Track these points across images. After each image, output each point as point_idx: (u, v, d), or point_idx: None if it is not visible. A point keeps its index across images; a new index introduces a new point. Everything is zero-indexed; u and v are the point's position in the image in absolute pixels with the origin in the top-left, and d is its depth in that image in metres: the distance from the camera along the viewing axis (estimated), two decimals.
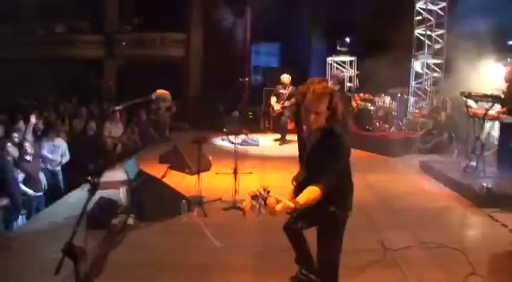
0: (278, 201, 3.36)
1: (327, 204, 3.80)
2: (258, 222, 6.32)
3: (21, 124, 11.33)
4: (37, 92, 18.58)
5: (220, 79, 16.44)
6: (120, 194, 7.55)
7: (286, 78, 13.62)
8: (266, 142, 14.49)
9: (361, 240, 6.04)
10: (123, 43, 20.48)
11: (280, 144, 13.92)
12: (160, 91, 2.92)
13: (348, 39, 16.74)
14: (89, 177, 2.83)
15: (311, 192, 3.61)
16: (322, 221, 3.94)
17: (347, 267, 4.14)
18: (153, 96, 2.91)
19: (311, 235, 4.30)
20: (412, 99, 14.55)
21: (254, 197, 3.39)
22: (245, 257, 5.89)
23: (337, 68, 17.03)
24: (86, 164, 10.93)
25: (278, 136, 14.38)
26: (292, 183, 4.21)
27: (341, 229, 4.08)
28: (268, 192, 3.40)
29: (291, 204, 3.45)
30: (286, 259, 4.91)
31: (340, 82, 9.56)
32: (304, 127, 4.06)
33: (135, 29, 20.76)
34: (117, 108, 2.84)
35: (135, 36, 20.67)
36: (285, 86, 13.46)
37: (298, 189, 3.88)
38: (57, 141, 10.24)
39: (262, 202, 3.34)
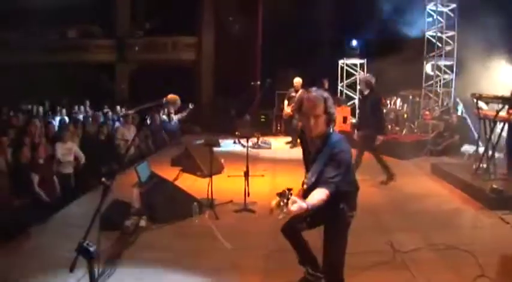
0: (294, 202, 3.43)
1: (334, 203, 3.89)
2: (268, 224, 6.44)
3: (33, 127, 11.46)
4: (50, 96, 18.76)
5: (232, 82, 16.52)
6: (133, 196, 7.62)
7: (297, 81, 13.68)
8: (278, 145, 14.55)
9: (370, 241, 6.07)
10: (136, 48, 20.61)
11: (291, 147, 13.98)
12: (170, 96, 2.99)
13: (355, 42, 16.75)
14: (103, 179, 2.91)
15: (319, 194, 3.72)
16: (330, 219, 4.03)
17: (356, 267, 4.19)
18: (164, 100, 2.98)
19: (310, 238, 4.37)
20: (423, 102, 14.51)
21: (280, 194, 3.47)
22: (255, 258, 5.94)
23: (352, 68, 17.09)
24: (98, 167, 11.04)
25: (289, 139, 14.44)
26: (302, 185, 4.27)
27: (347, 228, 4.17)
28: (291, 193, 3.48)
29: (304, 205, 3.52)
30: (295, 261, 4.95)
31: (370, 86, 9.60)
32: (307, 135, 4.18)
33: (146, 34, 20.87)
34: (130, 112, 2.91)
35: (146, 40, 20.82)
36: (296, 90, 13.49)
37: (305, 193, 3.95)
38: (69, 144, 10.31)
39: (286, 200, 3.41)
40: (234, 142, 14.28)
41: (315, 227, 4.31)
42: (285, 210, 3.43)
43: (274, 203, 3.57)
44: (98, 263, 2.90)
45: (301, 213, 3.62)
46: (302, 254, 4.73)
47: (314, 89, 4.10)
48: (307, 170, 4.28)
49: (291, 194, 3.46)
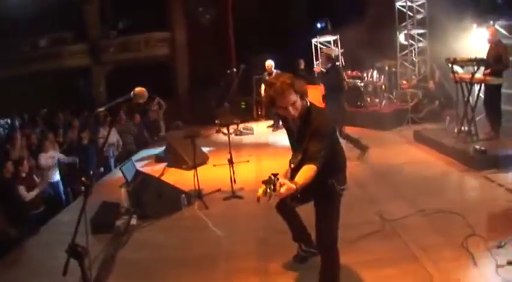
0: (282, 185, 3.44)
1: (323, 178, 3.88)
2: (258, 208, 6.48)
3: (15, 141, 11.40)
4: (29, 108, 18.63)
5: (209, 73, 16.49)
6: (122, 196, 7.62)
7: (269, 64, 13.60)
8: (260, 130, 14.59)
9: (360, 213, 6.14)
10: (112, 49, 20.48)
11: (273, 130, 14.00)
12: (138, 89, 2.99)
13: (319, 25, 16.77)
14: (82, 179, 2.93)
15: (307, 171, 3.70)
16: (320, 194, 4.01)
17: (347, 240, 4.23)
18: (132, 94, 2.98)
19: (304, 214, 4.40)
20: (399, 72, 14.56)
21: (266, 182, 3.49)
22: (248, 243, 5.98)
23: (326, 46, 17.06)
24: (86, 172, 11.01)
25: (271, 122, 14.46)
26: (289, 165, 4.29)
27: (338, 201, 4.17)
28: (277, 177, 3.49)
29: (293, 186, 3.54)
30: (287, 241, 5.01)
31: (331, 59, 9.51)
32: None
33: (119, 34, 20.73)
34: (100, 110, 2.91)
35: (119, 40, 20.67)
36: (270, 72, 13.44)
37: (294, 171, 3.96)
38: (51, 152, 10.28)
39: (272, 187, 3.43)
40: (216, 131, 14.29)
41: (307, 202, 4.28)
42: (272, 194, 3.45)
43: (260, 191, 3.55)
44: (89, 263, 2.91)
45: (293, 194, 3.63)
46: (296, 230, 4.77)
47: (274, 73, 4.08)
48: (294, 149, 4.31)
49: (278, 179, 3.48)
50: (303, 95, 3.97)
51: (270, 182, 3.46)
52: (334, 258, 4.12)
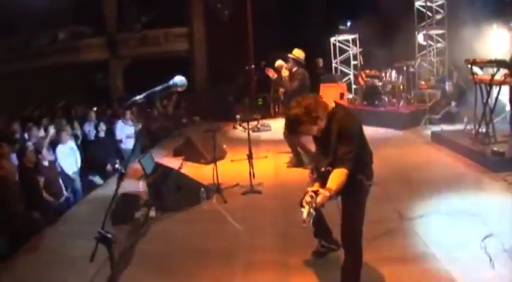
0: (317, 195, 3.51)
1: (352, 174, 3.92)
2: (276, 203, 6.57)
3: (35, 131, 11.53)
4: (46, 100, 18.77)
5: (227, 68, 16.51)
6: (140, 189, 7.70)
7: (279, 64, 13.44)
8: (278, 127, 14.59)
9: (378, 211, 6.13)
10: (133, 43, 20.55)
11: None
12: (177, 77, 3.01)
13: (348, 23, 16.72)
14: (117, 166, 2.98)
15: (339, 175, 3.79)
16: (348, 190, 3.97)
17: (366, 237, 4.23)
18: (171, 82, 3.00)
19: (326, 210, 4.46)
20: (418, 72, 14.53)
21: (308, 203, 3.58)
22: (267, 237, 6.05)
23: (345, 44, 17.06)
24: (102, 165, 11.12)
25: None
26: (309, 175, 4.36)
27: (365, 198, 4.22)
28: (317, 194, 3.58)
29: (327, 193, 3.65)
30: (306, 236, 5.04)
31: (298, 62, 9.26)
32: None
33: (144, 27, 20.78)
34: (137, 98, 2.92)
35: (138, 34, 20.74)
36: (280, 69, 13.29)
37: (324, 174, 4.03)
38: (69, 143, 10.36)
39: (314, 205, 3.52)
40: (234, 127, 14.32)
41: (334, 199, 4.34)
42: (313, 212, 3.53)
43: (305, 214, 3.57)
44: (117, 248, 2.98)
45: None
46: (318, 226, 4.80)
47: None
48: (317, 149, 4.38)
49: (317, 195, 3.55)
50: (323, 112, 3.99)
51: (311, 202, 3.53)
52: (358, 253, 4.16)
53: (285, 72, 9.25)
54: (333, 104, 4.08)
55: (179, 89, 3.01)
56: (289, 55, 9.26)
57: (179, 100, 16.43)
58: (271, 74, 9.28)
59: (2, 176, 7.60)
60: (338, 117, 4.00)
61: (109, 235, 2.84)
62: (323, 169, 4.08)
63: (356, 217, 4.17)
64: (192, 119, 17.06)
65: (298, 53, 9.26)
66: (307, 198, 3.62)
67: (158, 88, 2.97)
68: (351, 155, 3.85)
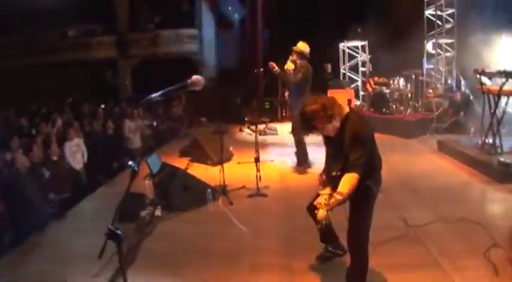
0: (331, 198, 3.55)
1: (361, 179, 3.95)
2: (282, 206, 6.59)
3: (43, 127, 11.61)
4: (55, 96, 18.84)
5: (235, 71, 16.55)
6: (146, 188, 7.73)
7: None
8: (285, 131, 14.61)
9: (383, 217, 6.11)
10: (145, 43, 20.58)
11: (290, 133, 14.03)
12: (195, 77, 3.03)
13: (359, 30, 16.72)
14: (130, 163, 2.99)
15: (350, 180, 3.85)
16: (356, 195, 4.00)
17: (371, 242, 4.27)
18: (189, 82, 3.02)
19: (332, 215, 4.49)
20: (425, 80, 14.53)
21: (327, 204, 3.63)
22: (272, 240, 6.08)
23: (354, 51, 17.08)
24: (109, 163, 11.15)
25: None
26: (318, 178, 4.40)
27: (373, 203, 4.26)
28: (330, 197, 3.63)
29: (339, 197, 3.70)
30: (311, 240, 5.11)
31: (303, 56, 9.18)
32: None
33: (156, 27, 20.80)
34: (154, 95, 2.95)
35: (148, 35, 20.79)
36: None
37: (335, 178, 4.08)
38: (76, 140, 10.40)
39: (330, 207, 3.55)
40: (241, 130, 14.37)
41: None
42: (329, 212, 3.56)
43: (322, 214, 3.65)
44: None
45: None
46: (325, 232, 4.82)
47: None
48: (328, 154, 4.43)
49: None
50: (339, 114, 4.04)
51: (328, 203, 3.58)
52: (364, 259, 4.19)
53: (290, 65, 9.21)
54: (348, 109, 4.12)
55: (196, 88, 3.03)
56: (294, 48, 9.24)
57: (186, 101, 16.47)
58: (274, 67, 9.25)
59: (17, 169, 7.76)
60: (352, 122, 4.04)
61: (119, 232, 2.86)
62: (334, 173, 4.12)
63: (363, 222, 4.21)
64: (199, 120, 17.10)
65: (302, 46, 9.21)
66: (323, 200, 3.63)
67: (175, 86, 2.99)
68: (362, 160, 3.90)
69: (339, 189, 3.80)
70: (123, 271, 3.08)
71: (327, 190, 3.91)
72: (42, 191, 8.21)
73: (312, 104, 4.02)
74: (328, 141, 4.42)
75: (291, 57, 9.27)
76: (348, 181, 3.83)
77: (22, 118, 13.81)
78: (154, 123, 14.71)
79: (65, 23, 21.33)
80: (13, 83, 19.54)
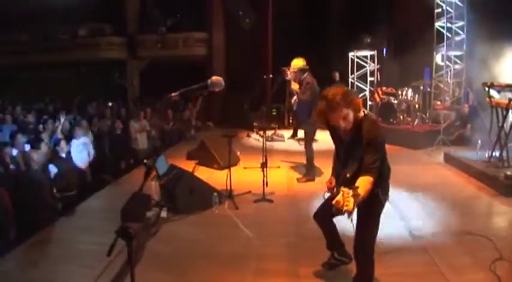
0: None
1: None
2: (288, 213, 6.60)
3: (50, 124, 11.69)
4: (63, 94, 18.95)
5: (244, 76, 16.52)
6: (152, 189, 7.75)
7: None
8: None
9: (389, 227, 6.16)
10: (159, 45, 20.60)
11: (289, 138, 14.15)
12: (215, 77, 3.05)
13: (368, 40, 16.72)
14: (145, 161, 3.00)
15: (366, 183, 3.82)
16: (364, 203, 3.90)
17: (377, 252, 4.28)
18: (209, 82, 3.04)
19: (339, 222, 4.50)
20: (434, 92, 14.54)
21: (355, 196, 3.58)
22: (278, 246, 6.08)
23: (363, 60, 17.10)
24: (115, 162, 11.19)
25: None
26: (327, 185, 4.40)
27: (380, 211, 4.27)
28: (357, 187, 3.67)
29: (359, 196, 3.66)
30: (317, 247, 5.10)
31: (304, 70, 9.19)
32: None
33: (169, 31, 20.84)
34: (172, 94, 2.97)
35: (157, 36, 20.84)
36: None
37: (348, 181, 4.07)
38: (83, 139, 10.43)
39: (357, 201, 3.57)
40: (248, 135, 14.39)
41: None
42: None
43: (352, 205, 3.55)
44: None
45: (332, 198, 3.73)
46: (331, 239, 4.84)
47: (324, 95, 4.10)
48: (339, 158, 4.41)
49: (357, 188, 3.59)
50: (356, 108, 4.07)
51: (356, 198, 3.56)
52: (370, 267, 4.20)
53: (295, 86, 9.29)
54: (363, 114, 4.14)
55: (216, 89, 3.06)
56: (291, 69, 9.27)
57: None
58: (287, 75, 9.24)
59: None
60: (367, 125, 4.06)
61: (130, 230, 2.86)
62: (348, 175, 4.12)
63: (370, 230, 4.23)
64: (206, 124, 17.09)
65: (298, 63, 9.24)
66: (349, 196, 3.57)
67: (195, 86, 3.01)
68: (378, 164, 3.92)
69: (358, 190, 3.76)
70: (132, 270, 3.08)
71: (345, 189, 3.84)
72: (48, 187, 8.25)
73: (334, 89, 4.10)
74: (338, 143, 4.45)
75: (291, 75, 9.33)
76: (364, 184, 3.80)
77: (29, 115, 13.92)
78: (171, 124, 14.80)
79: (75, 22, 21.43)
80: (22, 79, 19.70)
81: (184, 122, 15.70)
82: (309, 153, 9.19)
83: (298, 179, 9.30)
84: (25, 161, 7.95)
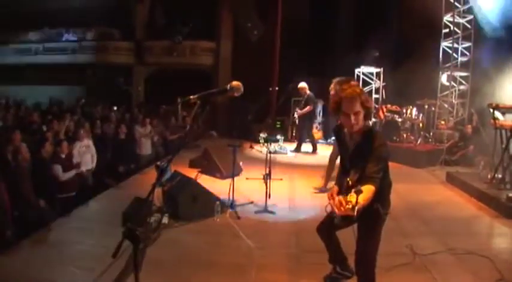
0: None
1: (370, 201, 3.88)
2: (289, 225, 6.59)
3: (55, 125, 11.70)
4: (69, 97, 19.02)
5: (249, 87, 16.54)
6: (154, 195, 7.74)
7: (302, 85, 13.53)
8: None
9: (391, 244, 6.15)
10: (175, 54, 20.64)
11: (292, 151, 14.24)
12: (235, 82, 3.07)
13: (376, 54, 16.75)
14: (158, 163, 3.02)
15: (367, 191, 3.71)
16: (364, 217, 3.89)
17: (378, 268, 4.28)
18: (228, 86, 3.06)
19: (342, 236, 4.50)
20: (438, 111, 14.58)
21: (357, 192, 3.52)
22: (278, 257, 6.08)
23: (369, 77, 17.15)
24: (117, 166, 11.19)
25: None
26: (329, 198, 4.40)
27: (381, 226, 4.26)
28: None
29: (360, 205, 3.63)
30: (319, 260, 5.11)
31: (305, 90, 9.53)
32: (346, 131, 4.26)
33: (184, 38, 20.87)
34: (191, 97, 2.99)
35: (165, 43, 20.90)
36: (302, 95, 13.49)
37: (350, 189, 4.03)
38: (86, 141, 10.43)
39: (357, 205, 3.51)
40: (251, 146, 14.40)
41: (351, 225, 4.37)
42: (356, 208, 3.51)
43: (354, 201, 3.50)
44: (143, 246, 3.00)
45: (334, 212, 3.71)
46: (333, 252, 4.85)
47: (344, 81, 4.12)
48: (344, 167, 4.41)
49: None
50: (367, 112, 4.06)
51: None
52: (371, 281, 4.20)
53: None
54: (370, 124, 4.16)
55: (236, 94, 3.07)
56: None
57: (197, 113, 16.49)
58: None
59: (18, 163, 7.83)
60: (374, 135, 4.05)
61: (137, 232, 2.84)
62: (350, 183, 4.11)
63: (371, 245, 4.23)
64: (209, 133, 17.11)
65: (303, 85, 9.60)
66: (351, 196, 3.51)
67: (214, 90, 3.03)
68: (380, 174, 3.88)
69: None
70: (136, 272, 3.06)
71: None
72: (49, 187, 8.28)
73: (352, 82, 4.23)
74: (343, 150, 4.45)
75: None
76: (365, 192, 3.65)
77: (34, 114, 13.95)
78: (188, 127, 14.79)
79: (84, 25, 21.56)
80: (28, 80, 19.78)
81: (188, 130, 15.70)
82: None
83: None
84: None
